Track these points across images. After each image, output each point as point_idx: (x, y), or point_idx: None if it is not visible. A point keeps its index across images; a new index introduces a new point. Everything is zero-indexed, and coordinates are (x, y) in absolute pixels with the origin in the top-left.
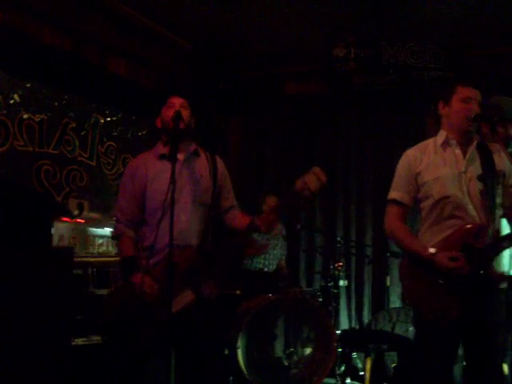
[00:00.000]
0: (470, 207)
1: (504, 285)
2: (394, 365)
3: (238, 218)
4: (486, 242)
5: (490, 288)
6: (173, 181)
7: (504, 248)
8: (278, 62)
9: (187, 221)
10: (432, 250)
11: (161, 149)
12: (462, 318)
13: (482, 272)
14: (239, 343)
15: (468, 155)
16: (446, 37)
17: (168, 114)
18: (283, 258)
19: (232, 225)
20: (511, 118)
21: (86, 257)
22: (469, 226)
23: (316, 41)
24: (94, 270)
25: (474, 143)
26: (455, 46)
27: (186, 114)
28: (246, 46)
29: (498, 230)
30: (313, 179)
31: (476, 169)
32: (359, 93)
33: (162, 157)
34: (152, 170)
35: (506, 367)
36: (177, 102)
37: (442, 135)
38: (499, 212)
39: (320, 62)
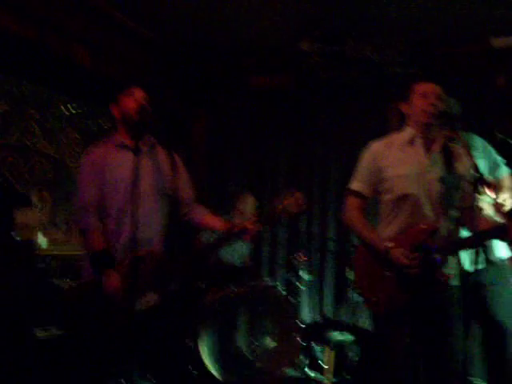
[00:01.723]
0: (428, 207)
1: (456, 282)
2: (355, 357)
3: (208, 217)
4: (439, 243)
5: (438, 287)
6: (136, 173)
7: (455, 251)
8: (242, 55)
9: (149, 211)
10: (389, 244)
11: (118, 138)
12: (408, 312)
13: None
14: (202, 336)
15: (431, 156)
16: (410, 33)
17: (130, 105)
18: (248, 254)
19: (198, 221)
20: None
21: (49, 249)
22: (424, 225)
23: (281, 34)
24: (57, 262)
25: (439, 144)
26: (419, 42)
27: (148, 107)
28: (210, 38)
29: (452, 233)
30: (293, 204)
31: (438, 170)
32: (324, 87)
33: (120, 146)
34: (111, 160)
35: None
36: (139, 95)
37: (408, 132)
38: (455, 214)
39: (285, 56)
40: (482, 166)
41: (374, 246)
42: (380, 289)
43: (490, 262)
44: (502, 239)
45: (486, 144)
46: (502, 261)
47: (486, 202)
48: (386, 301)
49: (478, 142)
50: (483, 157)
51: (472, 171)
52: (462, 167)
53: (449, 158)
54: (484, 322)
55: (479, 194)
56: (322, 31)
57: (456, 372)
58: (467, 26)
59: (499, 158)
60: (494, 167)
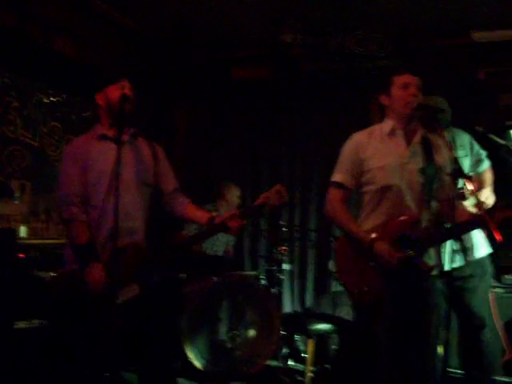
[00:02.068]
0: (409, 198)
1: (435, 272)
2: (335, 347)
3: (191, 209)
4: (420, 234)
5: (419, 276)
6: (118, 164)
7: (436, 242)
8: (224, 47)
9: (132, 201)
10: (373, 235)
11: (101, 129)
12: (389, 301)
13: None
14: (183, 326)
15: (411, 147)
16: (392, 26)
17: (116, 94)
18: (231, 243)
19: (179, 212)
20: (444, 120)
21: (30, 239)
22: (406, 217)
23: (263, 26)
24: (37, 252)
25: (419, 135)
26: (401, 35)
27: (131, 98)
28: (192, 30)
29: (432, 223)
30: (275, 196)
31: (418, 161)
32: (306, 79)
33: (102, 137)
34: (93, 151)
35: (440, 349)
36: (126, 85)
37: (388, 124)
38: (434, 204)
39: (267, 48)
40: (467, 163)
41: (358, 238)
42: (363, 280)
43: (475, 260)
44: (482, 229)
45: (472, 140)
46: (482, 258)
47: (470, 203)
48: (369, 292)
49: (465, 139)
50: (469, 154)
51: (452, 164)
52: (441, 158)
53: (428, 149)
54: (461, 313)
55: (464, 199)
56: (303, 23)
57: (433, 360)
58: (449, 20)
59: (483, 153)
60: (477, 162)
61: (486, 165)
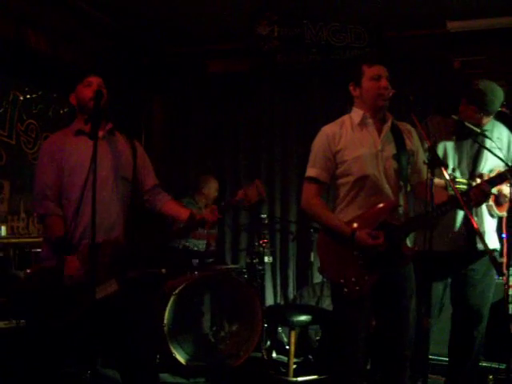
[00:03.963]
0: (386, 186)
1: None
2: (318, 338)
3: (171, 205)
4: (401, 219)
5: (403, 261)
6: (94, 159)
7: (418, 226)
8: (200, 40)
9: (109, 196)
10: (354, 225)
11: (77, 125)
12: (374, 289)
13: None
14: (165, 321)
15: (383, 135)
16: (367, 16)
17: (86, 93)
18: (213, 236)
19: (161, 209)
20: (491, 105)
21: (8, 238)
22: (384, 203)
23: (239, 19)
24: (16, 251)
25: (389, 123)
26: (376, 26)
27: (104, 93)
28: (168, 23)
29: (406, 207)
30: (253, 192)
31: (391, 148)
32: (283, 71)
33: (78, 132)
34: (68, 146)
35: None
36: (95, 81)
37: (358, 114)
38: (407, 189)
39: (243, 40)
40: (501, 154)
41: (339, 231)
42: (348, 271)
43: (478, 250)
44: (468, 205)
45: (511, 134)
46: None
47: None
48: (356, 282)
49: (504, 134)
50: (505, 149)
51: (428, 153)
52: (411, 142)
53: (399, 135)
54: (458, 306)
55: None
56: (279, 15)
57: (411, 345)
58: (424, 10)
59: None
60: None
61: None
